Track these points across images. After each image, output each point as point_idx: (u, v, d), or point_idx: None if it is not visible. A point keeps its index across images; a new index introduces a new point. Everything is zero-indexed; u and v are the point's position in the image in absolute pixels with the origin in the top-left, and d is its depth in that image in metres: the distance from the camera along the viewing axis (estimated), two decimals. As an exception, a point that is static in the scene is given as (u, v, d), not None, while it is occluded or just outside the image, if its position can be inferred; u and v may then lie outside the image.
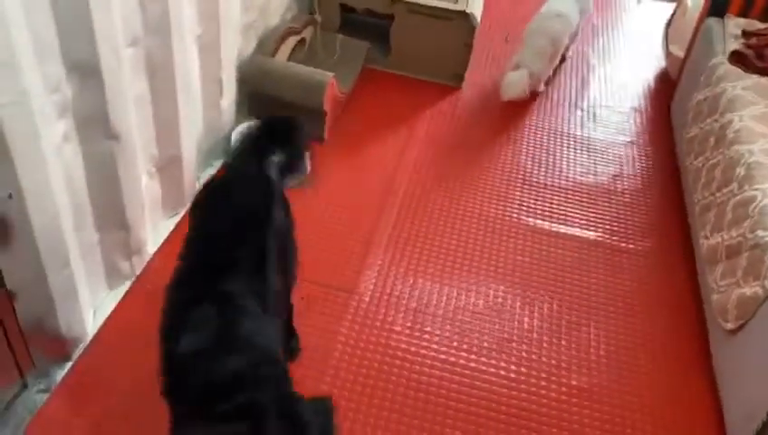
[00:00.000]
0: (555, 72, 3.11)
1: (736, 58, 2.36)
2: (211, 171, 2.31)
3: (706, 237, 2.00)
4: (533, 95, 2.92)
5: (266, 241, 1.38)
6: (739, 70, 2.32)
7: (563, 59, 3.21)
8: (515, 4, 3.69)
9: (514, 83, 2.76)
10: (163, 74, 1.79)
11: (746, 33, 2.49)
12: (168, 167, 1.97)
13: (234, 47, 2.25)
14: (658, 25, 3.44)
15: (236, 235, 1.35)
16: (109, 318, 1.82)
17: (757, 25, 2.54)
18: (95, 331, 1.77)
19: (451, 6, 2.79)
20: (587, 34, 3.50)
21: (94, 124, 1.56)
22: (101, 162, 1.63)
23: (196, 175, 2.17)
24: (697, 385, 1.84)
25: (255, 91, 2.43)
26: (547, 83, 3.03)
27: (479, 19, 2.82)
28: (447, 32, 2.82)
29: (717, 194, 2.01)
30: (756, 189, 1.81)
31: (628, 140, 2.81)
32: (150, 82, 1.77)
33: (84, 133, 1.56)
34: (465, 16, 2.77)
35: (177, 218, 2.10)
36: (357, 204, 2.31)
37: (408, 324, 1.93)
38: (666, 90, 3.10)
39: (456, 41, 2.84)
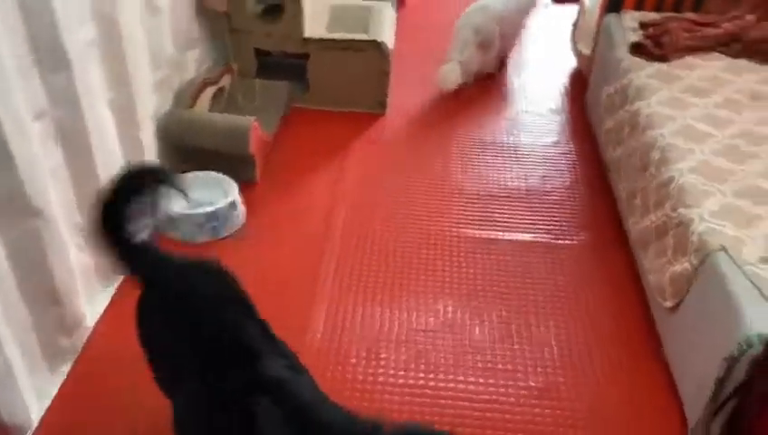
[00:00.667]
0: (501, 68, 3.37)
1: (637, 49, 2.48)
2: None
3: (636, 222, 2.08)
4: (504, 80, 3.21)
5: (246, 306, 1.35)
6: (641, 60, 2.43)
7: (505, 58, 3.38)
8: (427, 30, 3.80)
9: (446, 74, 3.00)
10: (77, 143, 1.77)
11: (643, 25, 2.62)
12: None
13: (149, 105, 2.23)
14: (567, 27, 3.60)
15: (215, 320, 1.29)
16: (54, 399, 1.75)
17: (651, 16, 2.68)
18: (41, 415, 1.70)
19: (362, 38, 2.84)
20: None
21: (13, 204, 1.52)
22: (25, 241, 1.58)
23: (128, 239, 2.13)
24: (650, 366, 1.88)
25: (180, 145, 2.42)
26: (489, 77, 3.23)
27: (391, 47, 2.88)
28: (362, 62, 2.87)
29: (639, 179, 2.09)
30: (673, 169, 1.89)
31: (553, 140, 2.90)
32: (65, 153, 1.74)
33: (3, 214, 1.52)
34: (377, 46, 2.83)
35: (113, 288, 2.05)
36: (298, 244, 2.30)
37: (364, 354, 1.92)
38: (580, 88, 3.22)
39: (372, 70, 2.89)
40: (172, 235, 2.26)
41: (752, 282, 1.49)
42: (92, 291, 1.96)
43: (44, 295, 1.70)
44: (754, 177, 1.82)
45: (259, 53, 2.93)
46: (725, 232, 1.64)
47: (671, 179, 1.87)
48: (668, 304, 1.76)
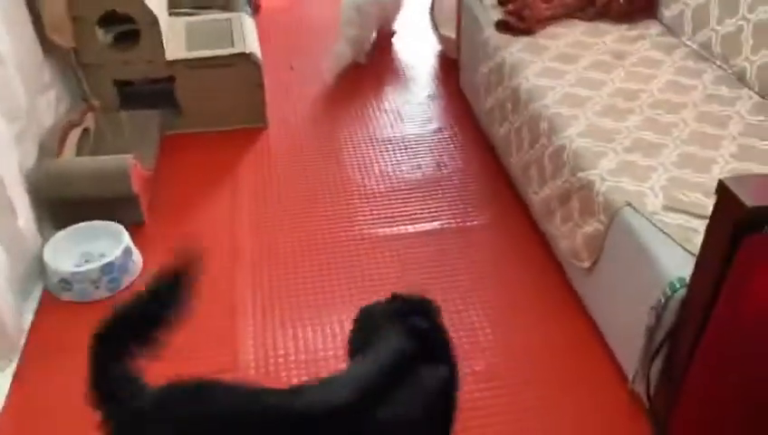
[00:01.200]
0: (385, 45, 3.51)
1: (502, 26, 2.55)
2: (32, 302, 2.06)
3: (535, 193, 2.15)
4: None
5: None
6: (508, 36, 2.51)
7: (391, 33, 3.56)
8: (288, 34, 3.74)
9: (337, 55, 3.20)
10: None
11: (501, 2, 2.70)
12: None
13: (12, 161, 2.01)
14: (422, 12, 3.67)
15: None
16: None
17: (508, -8, 2.77)
18: None
19: (230, 51, 2.73)
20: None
21: None
22: None
23: (18, 314, 1.92)
24: (577, 327, 1.96)
25: (55, 198, 2.20)
26: (370, 54, 3.39)
27: (260, 56, 2.80)
28: (234, 77, 2.76)
29: (531, 151, 2.16)
30: (563, 137, 1.96)
31: (436, 127, 2.95)
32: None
33: None
34: (246, 58, 2.73)
35: (11, 369, 1.84)
36: (207, 279, 2.16)
37: (304, 377, 1.85)
38: (450, 70, 3.29)
39: (245, 83, 2.79)
40: (65, 296, 2.06)
41: (661, 230, 1.57)
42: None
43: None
44: (637, 131, 1.94)
45: (118, 84, 2.74)
46: (626, 187, 1.72)
47: (563, 147, 1.95)
48: (586, 264, 1.84)
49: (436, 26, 3.47)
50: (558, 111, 2.06)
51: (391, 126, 2.96)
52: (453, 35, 3.19)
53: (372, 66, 3.46)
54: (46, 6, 2.35)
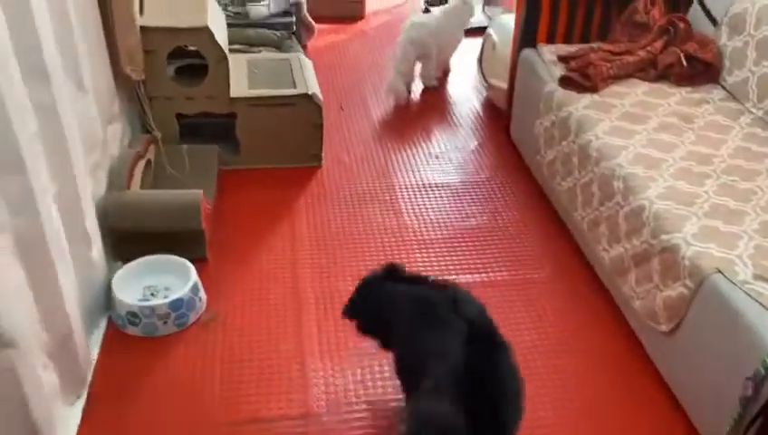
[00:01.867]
0: (444, 79, 3.74)
1: (566, 82, 2.60)
2: (98, 335, 2.04)
3: (606, 250, 2.16)
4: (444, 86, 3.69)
5: None
6: (572, 92, 2.55)
7: (446, 70, 3.77)
8: (334, 74, 3.79)
9: (392, 86, 3.42)
10: (37, 252, 1.55)
11: (562, 58, 2.75)
12: (60, 350, 1.69)
13: (89, 191, 2.01)
14: (470, 60, 3.73)
15: None
16: None
17: (567, 49, 2.82)
18: None
19: (292, 92, 2.76)
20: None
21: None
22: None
23: (87, 346, 1.89)
24: (648, 389, 1.94)
25: (122, 230, 2.20)
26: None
27: (321, 98, 2.83)
28: (294, 116, 2.79)
29: (602, 208, 2.18)
30: (641, 199, 1.98)
31: (488, 175, 2.96)
32: (26, 266, 1.51)
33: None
34: (308, 98, 2.76)
35: (80, 404, 1.81)
36: (271, 322, 2.15)
37: (375, 419, 1.83)
38: (497, 118, 3.34)
39: (304, 123, 2.81)
40: (131, 330, 2.04)
41: (757, 300, 1.58)
42: (59, 412, 1.72)
43: (20, 427, 1.46)
44: (715, 196, 1.96)
45: (180, 116, 2.75)
46: (713, 254, 1.73)
47: (642, 208, 1.96)
48: (664, 327, 1.84)
49: (484, 75, 3.53)
50: (633, 171, 2.08)
51: (443, 172, 2.98)
52: (502, 85, 3.24)
53: (422, 107, 3.51)
54: (123, 40, 2.37)
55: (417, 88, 3.68)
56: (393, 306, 1.63)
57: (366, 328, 1.75)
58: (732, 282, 1.64)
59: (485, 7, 4.42)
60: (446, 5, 3.71)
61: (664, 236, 1.85)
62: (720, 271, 1.67)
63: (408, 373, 1.62)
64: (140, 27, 2.44)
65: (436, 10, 3.80)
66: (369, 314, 1.72)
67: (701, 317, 1.72)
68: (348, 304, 1.77)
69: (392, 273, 1.71)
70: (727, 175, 2.05)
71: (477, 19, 4.35)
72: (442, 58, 3.67)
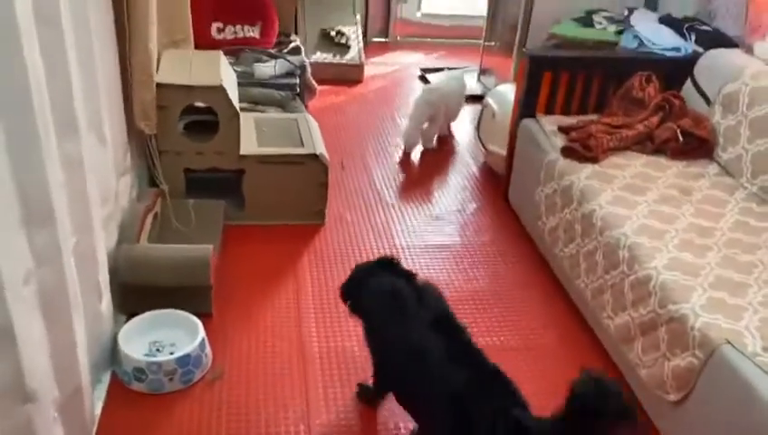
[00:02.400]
0: (447, 136, 3.94)
1: (568, 152, 2.68)
2: (101, 389, 2.00)
3: (610, 317, 2.19)
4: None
5: None
6: (574, 162, 2.64)
7: (450, 132, 3.98)
8: (335, 134, 3.86)
9: (408, 137, 3.70)
10: (57, 304, 1.54)
11: (563, 129, 2.85)
12: (69, 405, 1.66)
13: (103, 244, 2.01)
14: (467, 126, 3.85)
15: None
16: None
17: (567, 121, 2.93)
18: None
19: (300, 151, 2.81)
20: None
21: (9, 392, 1.27)
22: (17, 431, 1.32)
23: (92, 400, 1.86)
24: (655, 458, 1.95)
25: (129, 284, 2.18)
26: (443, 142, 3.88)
27: (328, 157, 2.88)
28: (301, 175, 2.83)
29: (607, 277, 2.22)
30: (648, 268, 2.03)
31: (487, 238, 3.02)
32: (46, 318, 1.50)
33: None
34: (315, 158, 2.81)
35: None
36: (277, 380, 2.13)
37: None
38: (495, 183, 3.43)
39: (310, 181, 2.86)
40: (136, 386, 2.01)
41: (766, 372, 1.61)
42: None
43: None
44: (718, 268, 2.02)
45: (187, 170, 2.78)
46: (721, 325, 1.78)
47: (648, 277, 2.01)
48: (672, 397, 1.86)
49: (482, 141, 3.62)
50: (638, 241, 2.14)
51: (444, 233, 3.02)
52: (501, 152, 3.33)
53: (422, 169, 3.58)
54: (139, 96, 2.42)
55: (417, 150, 3.77)
56: (369, 295, 1.87)
57: (354, 310, 1.96)
58: (742, 353, 1.68)
59: (481, 77, 4.58)
60: (454, 72, 3.98)
61: (671, 307, 1.89)
62: (729, 342, 1.71)
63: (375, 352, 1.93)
64: (156, 84, 2.50)
65: (442, 75, 4.01)
66: (355, 298, 1.94)
67: (711, 388, 1.74)
68: (341, 286, 1.99)
69: (385, 264, 1.94)
70: (728, 248, 2.12)
71: (472, 87, 4.52)
72: (447, 121, 3.87)
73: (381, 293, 1.83)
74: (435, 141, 3.82)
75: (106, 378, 2.04)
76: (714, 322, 1.79)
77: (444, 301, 1.87)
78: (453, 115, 3.94)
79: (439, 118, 3.74)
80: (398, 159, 3.67)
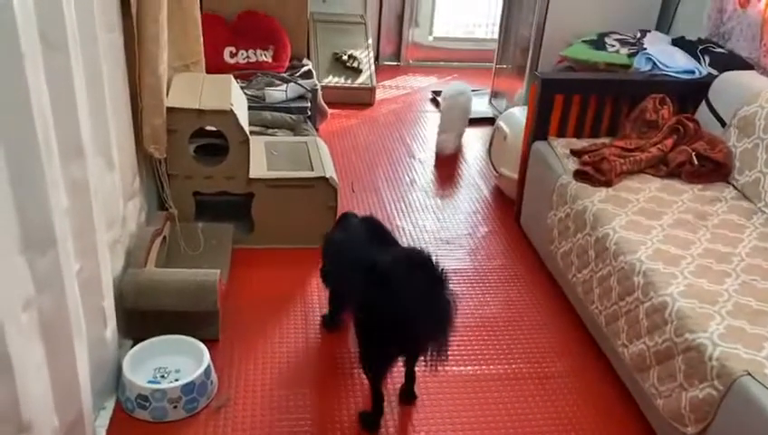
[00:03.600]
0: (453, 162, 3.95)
1: (580, 176, 2.64)
2: (104, 416, 1.97)
3: (625, 345, 2.13)
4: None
5: None
6: (586, 185, 2.60)
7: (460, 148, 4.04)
8: (344, 157, 3.85)
9: (443, 143, 3.89)
10: (58, 331, 1.51)
11: (575, 152, 2.82)
12: (69, 433, 1.63)
13: (109, 269, 1.99)
14: (478, 147, 3.82)
15: None
16: None
17: (579, 143, 2.89)
18: None
19: (310, 174, 2.79)
20: (420, 170, 3.75)
21: (2, 424, 1.24)
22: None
23: (93, 428, 1.82)
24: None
25: (136, 310, 2.16)
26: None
27: (338, 181, 2.86)
28: (310, 198, 2.81)
29: (621, 303, 2.17)
30: (664, 295, 1.98)
31: (499, 263, 2.97)
32: (46, 345, 1.48)
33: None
34: (325, 181, 2.79)
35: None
36: (283, 407, 2.09)
37: None
38: (506, 206, 3.39)
39: (319, 205, 2.83)
40: (139, 414, 1.97)
41: (789, 406, 1.55)
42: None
43: None
44: (737, 295, 1.96)
45: (196, 193, 2.77)
46: (741, 355, 1.71)
47: (664, 305, 1.95)
48: (690, 430, 1.79)
49: (493, 164, 3.59)
50: (653, 266, 2.09)
51: (455, 258, 2.98)
52: (512, 175, 3.30)
53: (431, 192, 3.54)
54: (150, 120, 2.42)
55: (424, 173, 3.75)
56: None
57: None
58: (763, 385, 1.62)
59: (492, 100, 4.56)
60: (459, 85, 4.09)
61: (688, 335, 1.83)
62: (750, 373, 1.65)
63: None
64: (166, 107, 2.50)
65: (450, 88, 4.09)
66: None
67: (730, 421, 1.68)
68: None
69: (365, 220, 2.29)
70: (747, 274, 2.06)
71: (484, 109, 4.51)
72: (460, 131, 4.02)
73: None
74: (451, 149, 3.97)
75: (110, 405, 2.01)
76: (733, 351, 1.73)
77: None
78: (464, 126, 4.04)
79: (466, 122, 3.95)
80: (408, 181, 3.65)
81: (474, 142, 4.15)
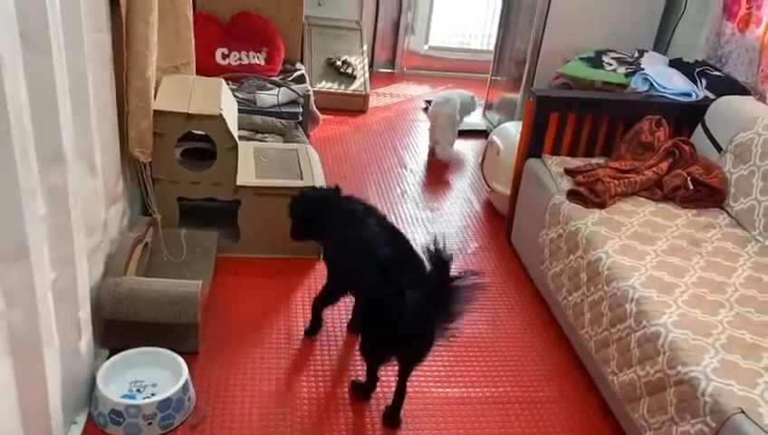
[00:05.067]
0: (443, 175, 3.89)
1: (573, 196, 2.60)
2: (75, 431, 1.89)
3: (615, 373, 2.09)
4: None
5: None
6: (580, 206, 2.55)
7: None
8: (336, 164, 3.80)
9: (445, 153, 3.89)
10: (28, 347, 1.44)
11: (569, 171, 2.77)
12: (36, 452, 1.56)
13: (86, 278, 1.92)
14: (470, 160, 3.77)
15: None
16: None
17: (574, 162, 2.85)
18: None
19: (299, 184, 2.73)
20: (411, 180, 3.70)
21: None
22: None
23: (63, 446, 1.75)
24: None
25: (114, 320, 2.09)
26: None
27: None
28: (298, 208, 2.74)
29: (612, 330, 2.12)
30: (656, 325, 1.93)
31: (489, 281, 2.92)
32: (14, 362, 1.41)
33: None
34: (314, 191, 2.72)
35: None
36: (263, 424, 2.03)
37: None
38: (497, 222, 3.35)
39: (307, 215, 2.76)
40: (112, 430, 1.90)
41: (784, 447, 1.51)
42: None
43: None
44: (731, 328, 1.92)
45: (181, 199, 2.70)
46: (734, 391, 1.67)
47: (657, 335, 1.91)
48: (680, 465, 1.75)
49: (486, 179, 3.55)
50: (646, 294, 2.04)
51: (444, 275, 2.92)
52: (505, 191, 3.25)
53: (423, 205, 3.49)
54: (136, 123, 2.35)
55: (414, 184, 3.70)
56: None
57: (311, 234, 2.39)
58: (757, 425, 1.57)
59: (486, 112, 4.52)
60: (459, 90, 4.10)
61: (681, 368, 1.79)
62: (743, 411, 1.61)
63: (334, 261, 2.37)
64: (153, 110, 2.43)
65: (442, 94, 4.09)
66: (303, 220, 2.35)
67: (722, 459, 1.63)
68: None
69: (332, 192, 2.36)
70: (741, 305, 2.03)
71: (476, 122, 4.47)
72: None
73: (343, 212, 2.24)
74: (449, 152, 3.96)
75: (82, 419, 1.93)
76: (727, 387, 1.69)
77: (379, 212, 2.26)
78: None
79: (456, 127, 3.92)
80: (399, 192, 3.59)
81: (466, 155, 4.11)
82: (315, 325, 2.42)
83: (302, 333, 2.43)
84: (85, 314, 1.88)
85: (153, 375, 2.05)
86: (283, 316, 2.51)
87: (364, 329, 2.12)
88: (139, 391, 2.01)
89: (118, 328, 2.11)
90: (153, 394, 1.97)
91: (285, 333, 2.42)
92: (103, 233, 2.15)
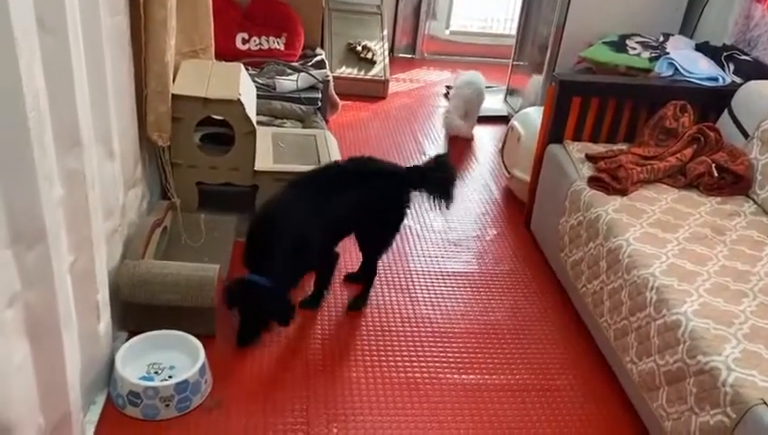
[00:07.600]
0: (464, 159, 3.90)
1: (595, 182, 2.56)
2: (94, 412, 1.92)
3: (634, 362, 2.06)
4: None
5: None
6: (601, 193, 2.51)
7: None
8: (354, 150, 3.78)
9: (450, 121, 4.00)
10: (46, 327, 1.46)
11: (590, 157, 2.73)
12: (55, 431, 1.58)
13: (104, 262, 1.94)
14: (486, 148, 3.73)
15: None
16: None
17: (596, 148, 2.80)
18: None
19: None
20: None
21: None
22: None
23: (83, 428, 1.77)
24: None
25: (132, 302, 2.11)
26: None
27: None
28: (316, 193, 2.73)
29: (632, 318, 2.09)
30: (677, 314, 1.90)
31: (508, 268, 2.89)
32: (32, 342, 1.42)
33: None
34: (332, 177, 2.71)
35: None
36: (278, 409, 2.04)
37: None
38: (517, 209, 3.32)
39: (325, 201, 2.76)
40: (130, 411, 1.92)
41: (806, 440, 1.48)
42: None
43: None
44: (754, 317, 1.88)
45: (199, 183, 2.71)
46: (756, 382, 1.64)
47: (677, 324, 1.88)
48: (699, 456, 1.72)
49: (506, 165, 3.51)
50: (667, 282, 2.01)
51: (462, 261, 2.91)
52: (525, 177, 3.21)
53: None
54: (154, 107, 2.35)
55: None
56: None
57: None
58: (778, 416, 1.54)
59: (508, 97, 4.47)
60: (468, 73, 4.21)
61: (701, 358, 1.76)
62: (765, 402, 1.58)
63: None
64: (172, 95, 2.43)
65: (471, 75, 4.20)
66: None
67: (742, 450, 1.61)
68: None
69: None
70: (765, 295, 1.98)
71: (498, 108, 4.42)
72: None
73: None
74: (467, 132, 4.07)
75: (101, 400, 1.96)
76: (749, 378, 1.65)
77: None
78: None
79: (473, 111, 4.06)
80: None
81: (486, 141, 4.07)
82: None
83: (318, 319, 2.43)
84: (104, 296, 1.90)
85: (171, 358, 2.07)
86: (299, 300, 2.51)
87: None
88: (156, 373, 2.03)
89: (136, 311, 2.13)
90: (170, 377, 1.99)
91: (301, 317, 2.43)
92: (122, 216, 2.16)
